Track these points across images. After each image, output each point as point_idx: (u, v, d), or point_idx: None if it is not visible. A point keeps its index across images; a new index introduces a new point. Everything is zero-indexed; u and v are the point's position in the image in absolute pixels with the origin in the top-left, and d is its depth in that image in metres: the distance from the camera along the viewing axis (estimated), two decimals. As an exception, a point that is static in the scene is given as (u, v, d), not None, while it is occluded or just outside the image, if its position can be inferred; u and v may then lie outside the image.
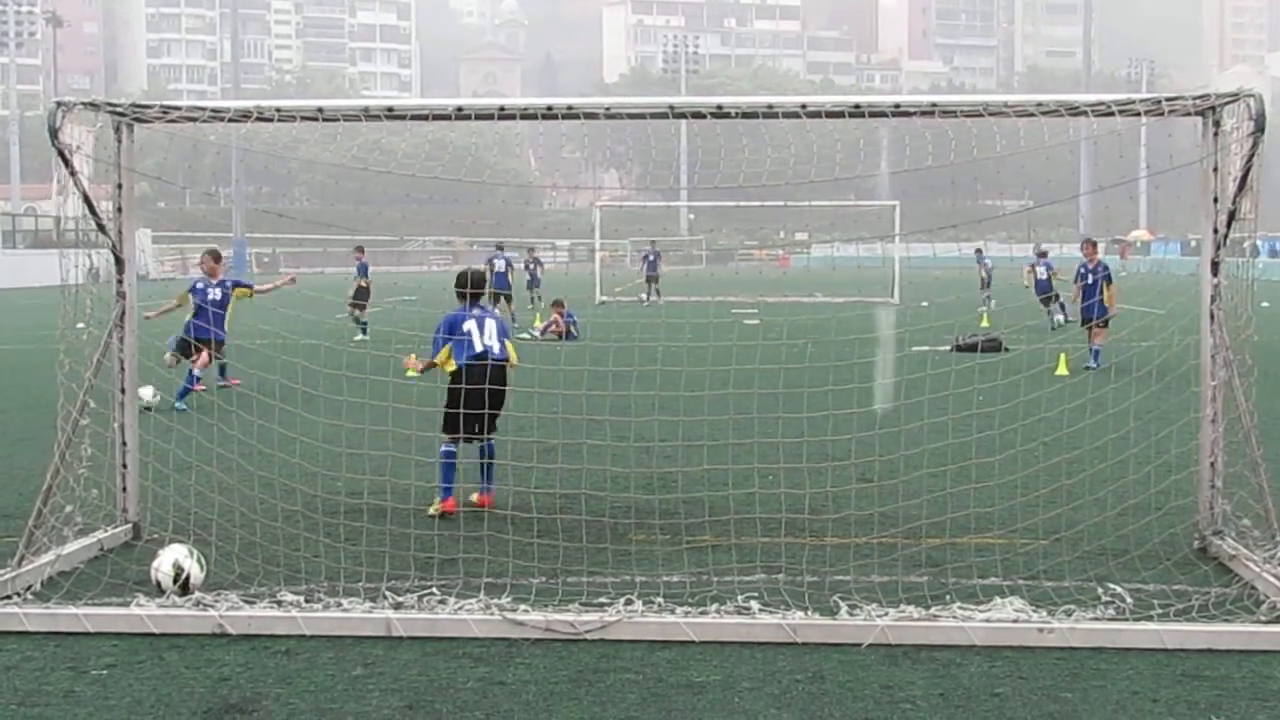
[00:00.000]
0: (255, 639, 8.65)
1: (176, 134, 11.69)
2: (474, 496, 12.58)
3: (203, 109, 10.61)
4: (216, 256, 21.71)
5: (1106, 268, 26.22)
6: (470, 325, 12.47)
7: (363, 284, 35.12)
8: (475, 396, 11.88)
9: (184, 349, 19.49)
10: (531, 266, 48.85)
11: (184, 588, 9.38)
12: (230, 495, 11.69)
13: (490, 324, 12.59)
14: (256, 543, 10.63)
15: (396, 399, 12.67)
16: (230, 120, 10.69)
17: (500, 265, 39.50)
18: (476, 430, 12.10)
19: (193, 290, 20.31)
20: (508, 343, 12.72)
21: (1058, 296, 36.32)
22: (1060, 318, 36.03)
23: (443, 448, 12.27)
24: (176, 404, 18.46)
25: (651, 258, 57.01)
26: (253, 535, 10.80)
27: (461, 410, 11.93)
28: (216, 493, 11.53)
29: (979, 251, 50.38)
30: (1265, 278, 11.44)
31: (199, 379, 19.46)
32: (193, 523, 10.98)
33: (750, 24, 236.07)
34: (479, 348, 12.34)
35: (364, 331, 33.01)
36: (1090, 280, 25.58)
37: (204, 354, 19.50)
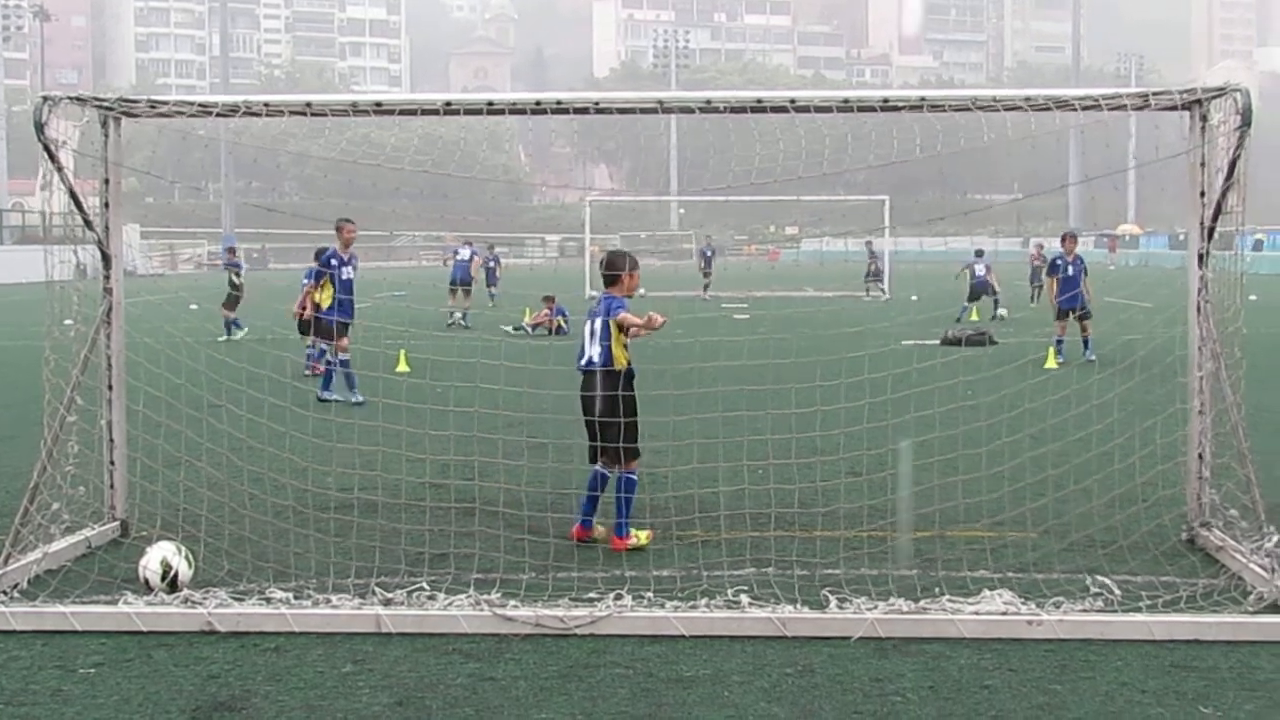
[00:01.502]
0: (244, 636, 8.64)
1: (165, 128, 11.68)
2: (599, 529, 11.23)
3: (191, 103, 10.59)
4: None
5: (1083, 261, 26.56)
6: (587, 328, 11.10)
7: (235, 281, 34.31)
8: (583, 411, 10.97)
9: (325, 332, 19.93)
10: (490, 264, 47.93)
11: (172, 585, 9.36)
12: (219, 491, 11.67)
13: (597, 324, 10.99)
14: (245, 539, 10.61)
15: (385, 394, 12.68)
16: (219, 115, 10.69)
17: (464, 254, 39.26)
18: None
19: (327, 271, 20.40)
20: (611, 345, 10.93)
21: (994, 293, 39.70)
22: (1003, 311, 38.97)
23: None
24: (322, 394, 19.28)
25: (709, 253, 56.83)
26: (242, 531, 10.77)
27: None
28: (205, 489, 11.51)
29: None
30: (1252, 271, 11.52)
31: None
32: (181, 519, 10.97)
33: (740, 19, 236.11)
34: (583, 356, 10.99)
35: (230, 331, 32.78)
36: (1070, 273, 25.75)
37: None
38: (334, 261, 20.13)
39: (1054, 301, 26.23)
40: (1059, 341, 25.19)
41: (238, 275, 33.99)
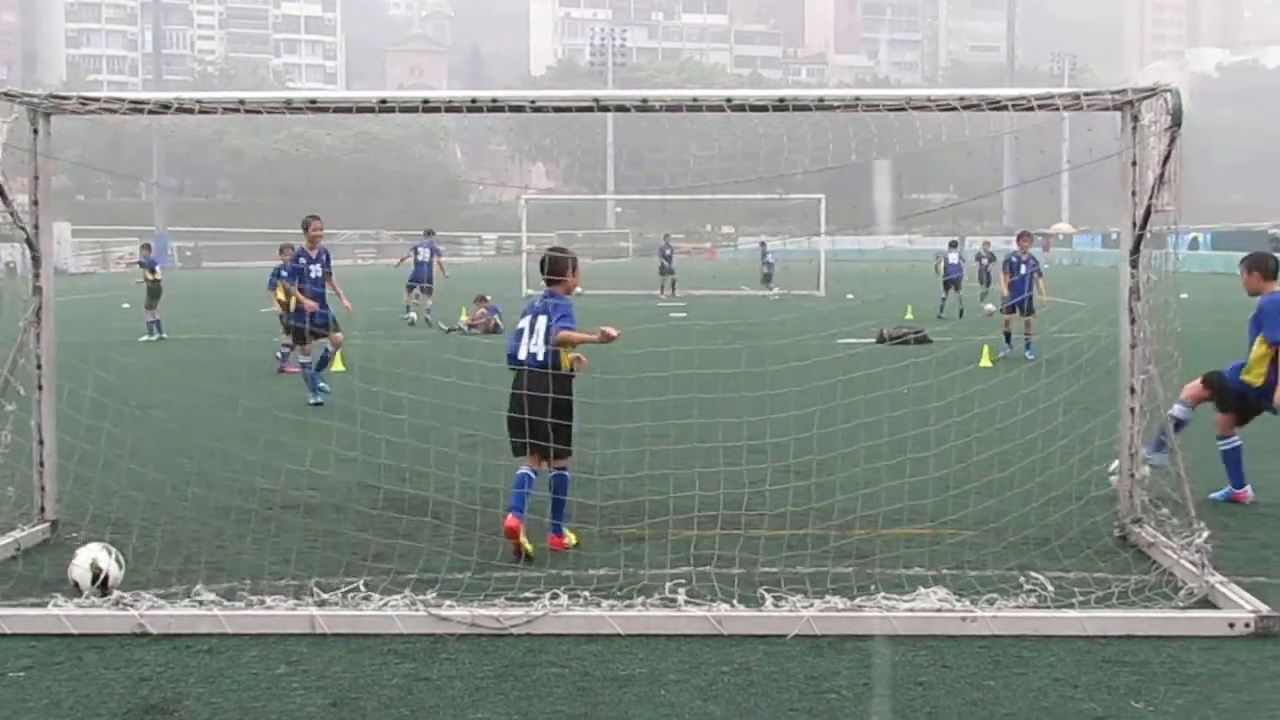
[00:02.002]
0: (177, 638, 8.56)
1: (96, 125, 11.58)
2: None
3: (123, 100, 10.46)
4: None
5: (1036, 260, 27.35)
6: (524, 324, 10.99)
7: (149, 277, 34.11)
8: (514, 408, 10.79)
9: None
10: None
11: (103, 587, 9.27)
12: (151, 492, 11.57)
13: (540, 321, 10.87)
14: (178, 540, 10.53)
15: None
16: (151, 112, 10.56)
17: (424, 254, 39.01)
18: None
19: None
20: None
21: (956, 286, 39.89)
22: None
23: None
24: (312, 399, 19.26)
25: (668, 252, 56.71)
26: (174, 533, 10.69)
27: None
28: (137, 490, 11.40)
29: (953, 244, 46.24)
30: (1184, 269, 11.59)
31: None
32: (111, 520, 10.86)
33: (677, 18, 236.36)
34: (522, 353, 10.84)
35: (151, 331, 32.66)
36: (1024, 271, 26.52)
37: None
38: (302, 260, 20.14)
39: (1005, 296, 27.18)
40: (1007, 335, 26.38)
41: (152, 272, 33.83)
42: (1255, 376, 12.35)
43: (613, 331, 10.57)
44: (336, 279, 20.87)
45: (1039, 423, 11.74)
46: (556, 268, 11.05)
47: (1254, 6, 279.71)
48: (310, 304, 19.98)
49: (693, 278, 58.56)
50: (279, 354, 23.64)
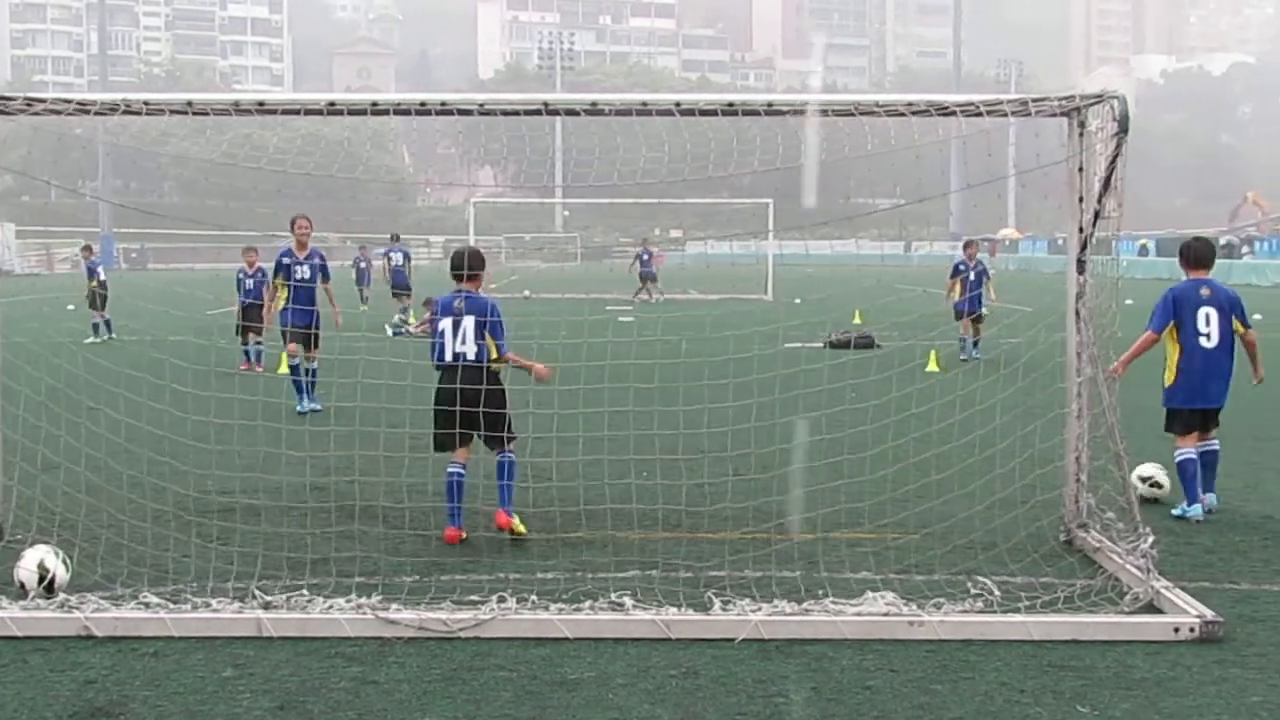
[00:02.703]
0: (122, 641, 8.52)
1: (41, 127, 11.46)
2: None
3: (68, 101, 10.39)
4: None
5: (984, 264, 28.38)
6: (446, 325, 11.40)
7: (91, 285, 34.10)
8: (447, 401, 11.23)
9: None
10: (362, 265, 46.56)
11: (49, 589, 9.21)
12: (97, 495, 11.48)
13: (466, 322, 11.30)
14: (124, 543, 10.43)
15: (268, 395, 12.54)
16: (97, 113, 10.48)
17: (397, 259, 38.69)
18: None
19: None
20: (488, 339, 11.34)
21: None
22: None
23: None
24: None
25: (645, 256, 56.55)
26: (120, 536, 10.60)
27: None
28: (83, 492, 11.31)
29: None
30: (1129, 275, 11.67)
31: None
32: (58, 523, 10.76)
33: (625, 21, 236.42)
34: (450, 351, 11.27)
35: (96, 333, 32.85)
36: (972, 277, 27.36)
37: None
38: (285, 259, 19.65)
39: (955, 302, 27.68)
40: (963, 340, 26.89)
41: (91, 279, 33.93)
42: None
43: (546, 373, 11.48)
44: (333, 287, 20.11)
45: (978, 424, 11.81)
46: (475, 263, 11.54)
47: (1199, 13, 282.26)
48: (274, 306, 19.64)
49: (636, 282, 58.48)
50: (244, 356, 24.11)
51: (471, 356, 11.13)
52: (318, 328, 19.46)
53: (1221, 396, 12.26)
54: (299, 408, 18.80)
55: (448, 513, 11.29)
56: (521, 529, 11.32)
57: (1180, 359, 12.19)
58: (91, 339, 31.58)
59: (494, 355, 11.28)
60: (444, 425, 11.21)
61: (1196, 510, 12.19)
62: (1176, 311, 12.16)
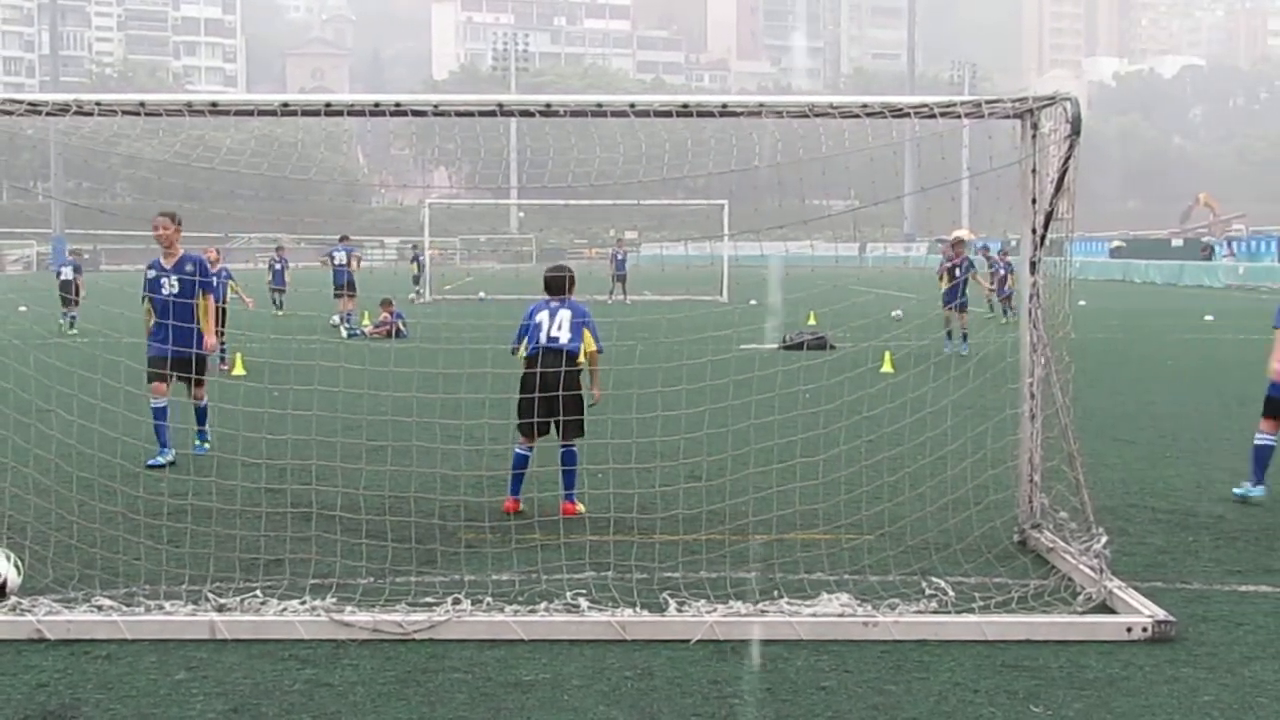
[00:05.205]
0: (74, 644, 8.45)
1: (-9, 127, 11.36)
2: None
3: (19, 102, 10.30)
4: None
5: (970, 261, 30.05)
6: (543, 316, 12.13)
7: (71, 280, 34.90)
8: (534, 388, 11.83)
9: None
10: (278, 266, 45.55)
11: (0, 592, 9.12)
12: (47, 497, 11.38)
13: (563, 314, 12.11)
14: (75, 546, 10.34)
15: (222, 399, 12.47)
16: (48, 114, 10.40)
17: (340, 258, 38.14)
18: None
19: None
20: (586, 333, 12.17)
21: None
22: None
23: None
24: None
25: (620, 257, 56.49)
26: (71, 538, 10.51)
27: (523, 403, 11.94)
28: (33, 495, 11.21)
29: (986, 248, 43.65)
30: (1081, 276, 11.73)
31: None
32: (7, 526, 10.67)
33: (580, 23, 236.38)
34: (544, 338, 11.99)
35: (71, 325, 33.62)
36: (957, 274, 28.85)
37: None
38: (149, 273, 15.37)
39: (943, 291, 29.11)
40: (948, 333, 28.20)
41: (59, 276, 34.63)
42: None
43: (599, 398, 12.24)
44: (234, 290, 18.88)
45: (931, 425, 11.84)
46: (572, 285, 12.27)
47: (1150, 15, 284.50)
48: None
49: (597, 283, 58.50)
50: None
51: (564, 342, 11.86)
52: (200, 357, 14.75)
53: None
54: (151, 460, 14.16)
55: (510, 484, 12.18)
56: (582, 509, 12.10)
57: None
58: (62, 324, 33.04)
59: (590, 347, 12.07)
60: (523, 413, 11.82)
61: (1260, 492, 12.77)
62: None
